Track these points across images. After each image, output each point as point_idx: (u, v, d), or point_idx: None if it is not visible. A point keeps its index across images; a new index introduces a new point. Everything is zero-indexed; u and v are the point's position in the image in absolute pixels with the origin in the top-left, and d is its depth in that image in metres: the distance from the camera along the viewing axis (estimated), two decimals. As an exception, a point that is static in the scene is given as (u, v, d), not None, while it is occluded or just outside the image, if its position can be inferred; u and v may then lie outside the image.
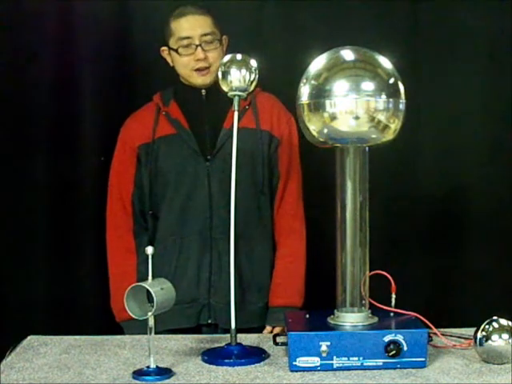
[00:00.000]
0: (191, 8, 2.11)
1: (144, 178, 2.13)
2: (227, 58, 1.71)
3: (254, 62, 1.71)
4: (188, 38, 2.08)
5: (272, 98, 2.19)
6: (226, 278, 2.03)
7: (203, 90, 2.14)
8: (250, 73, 1.69)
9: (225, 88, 1.71)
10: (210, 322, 2.11)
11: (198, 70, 2.10)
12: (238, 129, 1.99)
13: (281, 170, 2.16)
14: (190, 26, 2.08)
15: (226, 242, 2.03)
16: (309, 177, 2.25)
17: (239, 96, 1.70)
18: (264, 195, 2.13)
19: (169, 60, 2.17)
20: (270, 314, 2.14)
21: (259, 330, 2.09)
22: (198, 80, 2.11)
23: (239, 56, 1.71)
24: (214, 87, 2.07)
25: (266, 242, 2.15)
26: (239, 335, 1.70)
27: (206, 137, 2.11)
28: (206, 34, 2.08)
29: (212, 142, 2.10)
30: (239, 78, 1.69)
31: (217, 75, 2.06)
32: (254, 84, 1.72)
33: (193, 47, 2.08)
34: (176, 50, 2.10)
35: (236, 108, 1.70)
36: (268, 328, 2.13)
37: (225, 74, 1.70)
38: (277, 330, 2.11)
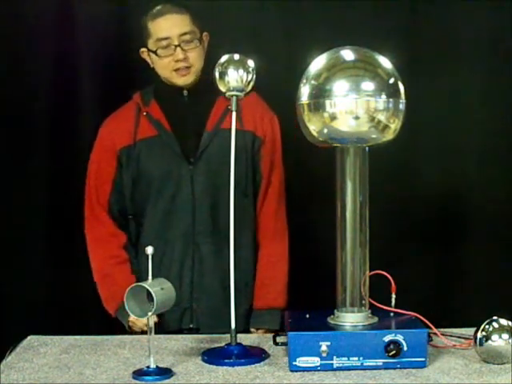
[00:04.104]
0: (168, 7, 2.06)
1: (125, 181, 2.10)
2: (224, 58, 1.71)
3: (251, 63, 1.71)
4: (166, 38, 2.03)
5: (254, 97, 2.12)
6: (209, 282, 2.06)
7: (185, 91, 2.10)
8: (248, 73, 1.69)
9: (222, 88, 1.71)
10: (191, 326, 2.09)
11: (178, 70, 2.05)
12: (221, 130, 2.01)
13: (263, 169, 2.13)
14: (168, 26, 2.04)
15: (208, 246, 2.06)
16: (309, 177, 2.25)
17: (237, 96, 1.70)
18: (247, 197, 2.10)
19: (149, 61, 2.12)
20: (254, 316, 2.13)
21: (244, 333, 2.06)
22: (179, 81, 2.07)
23: (236, 56, 1.70)
24: (196, 88, 2.08)
25: (249, 243, 2.12)
26: (239, 335, 1.70)
27: (188, 139, 2.08)
28: (184, 34, 2.03)
29: (195, 145, 2.06)
30: (236, 78, 1.69)
31: (198, 75, 2.07)
32: (252, 84, 1.71)
33: (172, 48, 2.03)
34: (155, 52, 2.05)
35: (234, 108, 1.70)
36: (252, 331, 2.11)
37: (222, 75, 1.69)
38: (260, 332, 2.10)
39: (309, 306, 2.02)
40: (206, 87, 2.00)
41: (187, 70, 2.05)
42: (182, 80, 2.06)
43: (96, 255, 2.14)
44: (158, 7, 2.06)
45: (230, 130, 1.96)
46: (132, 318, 2.00)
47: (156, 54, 2.05)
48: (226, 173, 1.96)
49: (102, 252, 2.12)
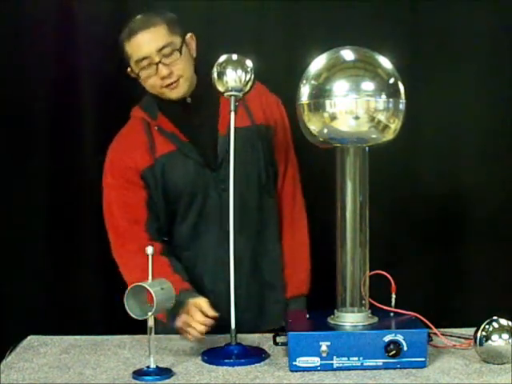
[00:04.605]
0: (140, 22, 1.92)
1: (156, 200, 1.99)
2: (223, 58, 1.71)
3: (249, 63, 1.71)
4: (145, 57, 1.90)
5: (257, 85, 1.97)
6: (243, 289, 1.98)
7: (188, 98, 1.99)
8: (246, 73, 1.69)
9: (220, 88, 1.70)
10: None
11: (167, 86, 1.94)
12: (235, 129, 1.97)
13: (278, 157, 2.09)
14: (144, 45, 1.90)
15: (243, 257, 1.98)
16: (309, 177, 2.25)
17: (235, 96, 1.70)
18: (268, 192, 2.07)
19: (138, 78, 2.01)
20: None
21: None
22: (172, 95, 1.96)
23: (235, 56, 1.71)
24: (197, 92, 2.00)
25: (276, 238, 2.09)
26: (239, 335, 1.70)
27: (205, 147, 2.00)
28: (163, 47, 1.90)
29: (213, 150, 1.99)
30: (235, 78, 1.69)
31: (191, 81, 1.97)
32: (250, 84, 1.71)
33: (154, 66, 1.90)
34: (138, 75, 1.94)
35: (232, 108, 1.70)
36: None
37: (220, 75, 1.69)
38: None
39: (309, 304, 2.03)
40: (206, 89, 1.92)
41: (176, 83, 1.94)
42: (175, 94, 1.95)
43: (133, 269, 1.92)
44: (130, 25, 1.93)
45: (243, 128, 1.96)
46: (190, 322, 1.75)
47: (140, 77, 1.95)
48: (251, 173, 1.95)
49: (140, 263, 1.85)
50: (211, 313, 1.75)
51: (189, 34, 1.98)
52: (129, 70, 1.98)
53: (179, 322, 1.78)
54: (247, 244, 2.01)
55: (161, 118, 2.00)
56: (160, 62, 1.90)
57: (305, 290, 2.12)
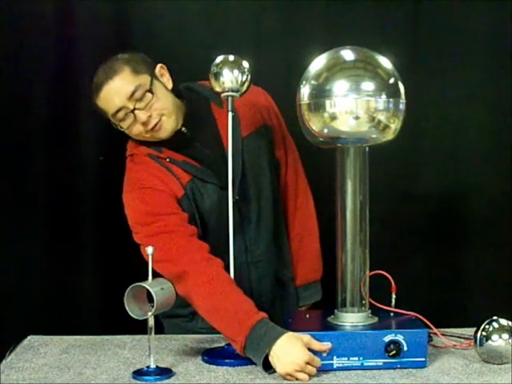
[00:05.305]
0: (102, 73, 1.80)
1: (192, 221, 1.88)
2: (219, 58, 1.70)
3: (246, 63, 1.71)
4: (119, 109, 1.80)
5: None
6: (267, 301, 1.97)
7: (183, 128, 1.88)
8: (243, 73, 1.69)
9: (217, 89, 1.70)
10: None
11: (152, 129, 1.82)
12: (243, 139, 1.91)
13: (278, 152, 2.03)
14: (113, 96, 1.79)
15: (263, 263, 1.98)
16: (309, 177, 2.25)
17: (232, 97, 1.70)
18: (278, 190, 2.03)
19: None
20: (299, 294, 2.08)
21: None
22: (161, 136, 1.85)
23: (231, 57, 1.71)
24: (191, 117, 1.90)
25: (285, 234, 2.06)
26: (239, 335, 1.70)
27: (218, 169, 1.88)
28: (133, 93, 1.78)
29: (225, 168, 1.81)
30: (231, 78, 1.69)
31: (178, 115, 1.85)
32: (247, 85, 1.71)
33: (131, 115, 1.80)
34: (117, 128, 1.85)
35: (230, 109, 1.70)
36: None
37: (217, 75, 1.69)
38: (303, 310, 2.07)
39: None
40: (197, 110, 1.89)
41: (160, 124, 1.82)
42: (163, 134, 1.85)
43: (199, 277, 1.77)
44: (94, 80, 1.82)
45: (246, 137, 1.93)
46: (303, 368, 1.57)
47: (122, 129, 1.85)
48: (265, 183, 1.93)
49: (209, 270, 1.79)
50: (326, 347, 1.60)
51: (158, 66, 1.87)
52: (112, 122, 1.87)
53: (285, 367, 1.56)
54: (265, 248, 1.98)
55: (166, 152, 1.89)
56: (135, 108, 1.79)
57: (316, 277, 2.09)
